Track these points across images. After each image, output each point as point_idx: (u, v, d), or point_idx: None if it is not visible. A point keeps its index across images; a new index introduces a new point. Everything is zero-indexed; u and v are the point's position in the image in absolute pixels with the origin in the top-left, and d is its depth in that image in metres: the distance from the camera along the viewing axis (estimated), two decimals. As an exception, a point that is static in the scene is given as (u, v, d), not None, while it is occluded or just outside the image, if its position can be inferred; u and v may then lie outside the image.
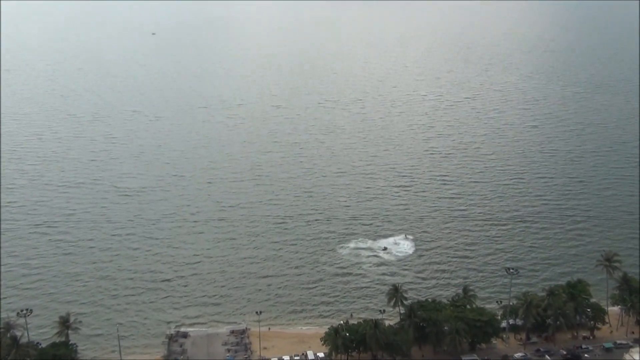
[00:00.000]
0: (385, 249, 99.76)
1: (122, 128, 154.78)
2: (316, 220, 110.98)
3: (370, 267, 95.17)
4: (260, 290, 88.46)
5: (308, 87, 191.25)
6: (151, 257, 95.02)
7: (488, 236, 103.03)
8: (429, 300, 79.03)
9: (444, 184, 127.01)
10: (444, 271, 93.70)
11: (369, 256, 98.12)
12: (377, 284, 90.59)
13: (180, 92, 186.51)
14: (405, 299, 77.28)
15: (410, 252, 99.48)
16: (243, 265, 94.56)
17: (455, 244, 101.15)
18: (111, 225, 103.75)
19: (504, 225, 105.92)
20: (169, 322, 78.70)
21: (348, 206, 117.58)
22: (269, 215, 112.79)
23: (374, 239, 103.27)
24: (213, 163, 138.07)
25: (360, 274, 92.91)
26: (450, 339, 70.81)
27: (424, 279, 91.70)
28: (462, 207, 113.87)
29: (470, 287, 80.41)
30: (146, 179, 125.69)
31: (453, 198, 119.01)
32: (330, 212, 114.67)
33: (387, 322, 74.96)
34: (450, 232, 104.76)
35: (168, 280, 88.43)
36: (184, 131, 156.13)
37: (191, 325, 78.25)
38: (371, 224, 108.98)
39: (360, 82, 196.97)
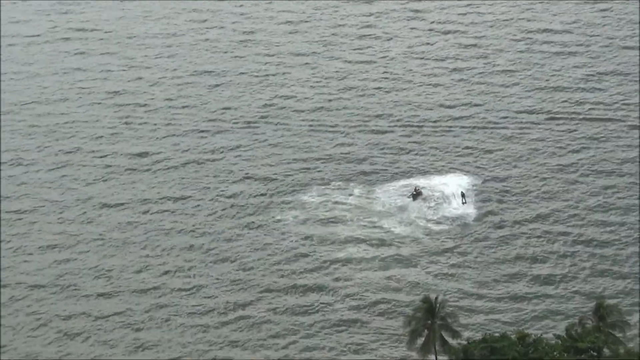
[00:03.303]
0: (416, 193, 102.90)
1: None
2: (237, 147, 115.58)
3: (362, 254, 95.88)
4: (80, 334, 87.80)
5: None
6: None
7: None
8: (509, 335, 75.06)
9: (556, 61, 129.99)
10: (545, 270, 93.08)
11: (361, 225, 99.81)
12: (381, 298, 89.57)
13: None
14: (455, 333, 74.09)
15: (468, 218, 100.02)
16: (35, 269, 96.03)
17: (576, 208, 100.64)
18: None
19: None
20: None
21: (314, 112, 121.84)
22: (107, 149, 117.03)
23: (376, 183, 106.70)
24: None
25: (339, 277, 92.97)
26: None
27: (495, 285, 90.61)
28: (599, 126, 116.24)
29: (612, 303, 78.11)
30: None
31: (581, 99, 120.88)
32: (273, 126, 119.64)
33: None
34: (562, 184, 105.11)
35: None
36: None
37: None
38: (368, 158, 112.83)
39: None
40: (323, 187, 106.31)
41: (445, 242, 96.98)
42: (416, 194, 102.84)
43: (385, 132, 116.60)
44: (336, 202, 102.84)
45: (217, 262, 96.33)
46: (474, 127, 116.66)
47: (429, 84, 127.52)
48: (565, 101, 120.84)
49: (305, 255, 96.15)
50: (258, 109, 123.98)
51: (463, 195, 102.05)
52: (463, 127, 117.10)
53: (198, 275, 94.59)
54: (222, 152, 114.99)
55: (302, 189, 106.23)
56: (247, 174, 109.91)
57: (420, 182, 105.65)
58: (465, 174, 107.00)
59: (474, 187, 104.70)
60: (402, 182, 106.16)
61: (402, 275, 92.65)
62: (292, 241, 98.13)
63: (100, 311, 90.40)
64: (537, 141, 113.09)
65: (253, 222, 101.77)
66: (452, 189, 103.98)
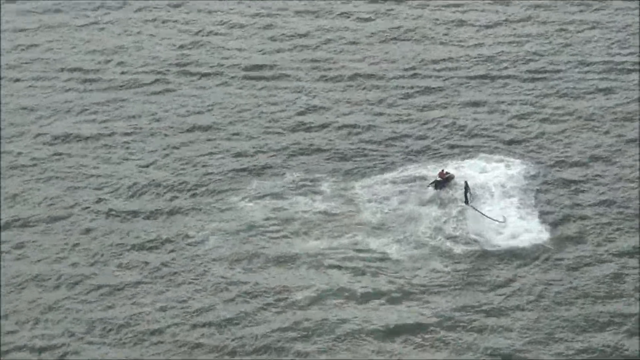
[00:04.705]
0: (442, 179, 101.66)
1: None
2: (128, 128, 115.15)
3: (336, 308, 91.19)
4: None
5: None
6: None
7: None
8: None
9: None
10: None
11: (335, 249, 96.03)
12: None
13: None
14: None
15: (518, 239, 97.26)
16: None
17: None
18: None
19: None
20: None
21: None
22: None
23: (359, 177, 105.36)
24: None
25: (299, 351, 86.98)
26: None
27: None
28: None
29: None
30: None
31: None
32: (187, 92, 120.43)
33: None
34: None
35: None
36: None
37: None
38: (349, 139, 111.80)
39: None
40: (270, 183, 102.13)
41: (478, 282, 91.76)
42: (442, 181, 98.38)
43: (377, 101, 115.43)
44: (292, 209, 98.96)
45: (95, 324, 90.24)
46: (528, 93, 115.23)
47: (452, 22, 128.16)
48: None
49: (240, 314, 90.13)
50: (162, 64, 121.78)
51: (467, 188, 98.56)
52: (508, 91, 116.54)
53: (66, 346, 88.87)
54: (103, 136, 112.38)
55: (235, 187, 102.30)
56: (143, 170, 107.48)
57: (433, 173, 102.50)
58: (512, 163, 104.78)
59: (528, 188, 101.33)
60: (403, 173, 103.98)
61: (405, 349, 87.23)
62: (216, 280, 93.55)
63: None
64: (633, 119, 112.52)
65: (155, 249, 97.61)
66: (490, 183, 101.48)
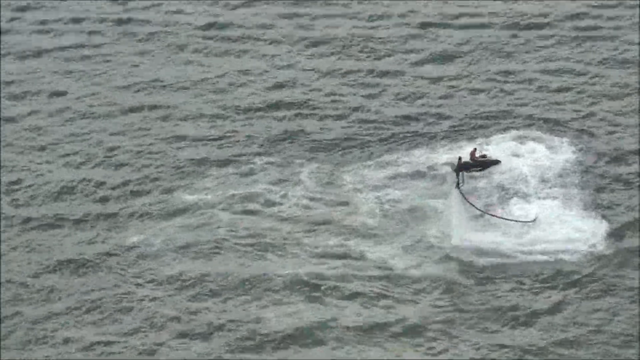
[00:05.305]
0: (476, 162, 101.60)
1: None
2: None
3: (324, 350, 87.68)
4: None
5: None
6: None
7: None
8: None
9: None
10: None
11: (317, 258, 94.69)
12: None
13: None
14: None
15: (571, 249, 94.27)
16: None
17: None
18: None
19: None
20: None
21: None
22: None
23: (352, 161, 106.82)
24: None
25: None
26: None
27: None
28: None
29: None
30: None
31: None
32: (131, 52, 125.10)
33: None
34: None
35: None
36: None
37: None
38: (342, 117, 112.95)
39: None
40: (236, 175, 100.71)
41: (511, 307, 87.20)
42: (472, 165, 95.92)
43: (376, 70, 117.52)
44: (265, 209, 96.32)
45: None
46: (576, 59, 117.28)
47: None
48: None
49: (201, 353, 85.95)
50: (95, 22, 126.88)
51: (460, 167, 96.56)
52: (549, 56, 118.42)
53: None
54: (18, 118, 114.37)
55: (191, 182, 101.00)
56: (71, 163, 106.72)
57: (443, 157, 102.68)
58: (556, 146, 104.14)
59: (578, 181, 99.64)
60: (408, 160, 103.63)
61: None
62: (168, 306, 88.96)
63: None
64: None
65: (87, 266, 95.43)
66: (526, 171, 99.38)
